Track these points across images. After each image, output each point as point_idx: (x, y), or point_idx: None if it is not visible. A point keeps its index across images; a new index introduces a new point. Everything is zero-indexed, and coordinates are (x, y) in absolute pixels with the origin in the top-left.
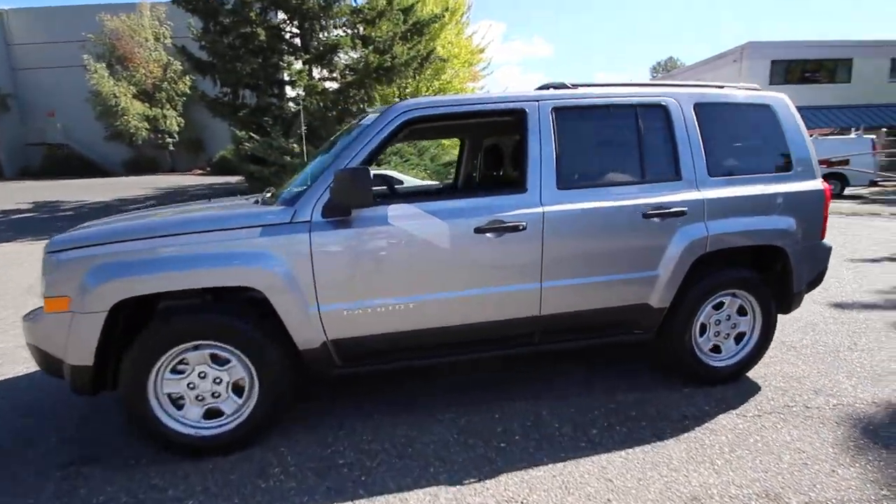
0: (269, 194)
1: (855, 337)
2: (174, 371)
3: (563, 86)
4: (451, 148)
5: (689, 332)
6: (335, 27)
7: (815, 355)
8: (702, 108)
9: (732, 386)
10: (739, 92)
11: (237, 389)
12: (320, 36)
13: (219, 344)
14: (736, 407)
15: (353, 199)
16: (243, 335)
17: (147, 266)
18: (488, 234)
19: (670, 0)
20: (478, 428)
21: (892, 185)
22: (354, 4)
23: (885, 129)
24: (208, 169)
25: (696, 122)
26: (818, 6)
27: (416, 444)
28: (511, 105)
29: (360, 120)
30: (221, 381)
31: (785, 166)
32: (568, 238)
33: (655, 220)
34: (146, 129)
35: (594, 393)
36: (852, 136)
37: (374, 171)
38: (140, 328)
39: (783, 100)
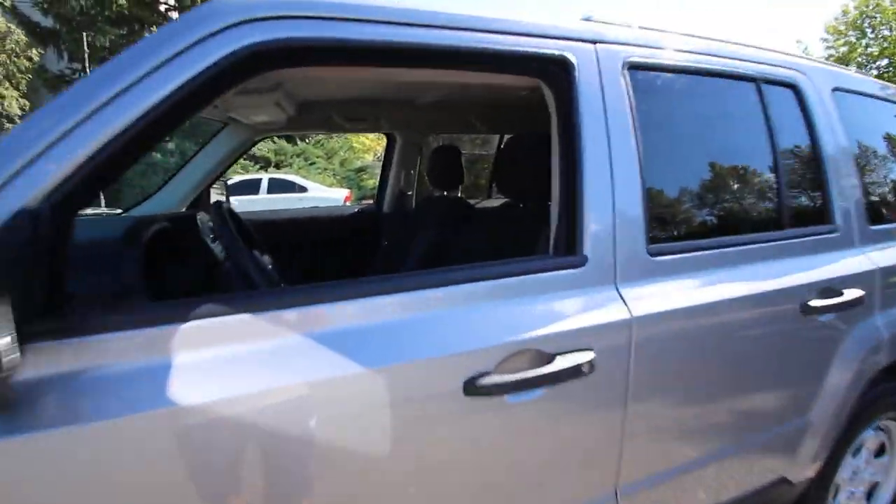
0: None
1: None
2: None
3: (624, 25)
4: (363, 152)
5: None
6: None
7: None
8: (842, 100)
9: None
10: (870, 79)
11: None
12: None
13: None
14: None
15: None
16: None
17: None
18: (506, 398)
19: None
20: None
21: None
22: None
23: None
24: None
25: (840, 122)
26: None
27: None
28: (538, 47)
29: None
30: None
31: None
32: (675, 378)
33: (818, 317)
34: None
35: None
36: None
37: (270, 175)
38: None
39: None
